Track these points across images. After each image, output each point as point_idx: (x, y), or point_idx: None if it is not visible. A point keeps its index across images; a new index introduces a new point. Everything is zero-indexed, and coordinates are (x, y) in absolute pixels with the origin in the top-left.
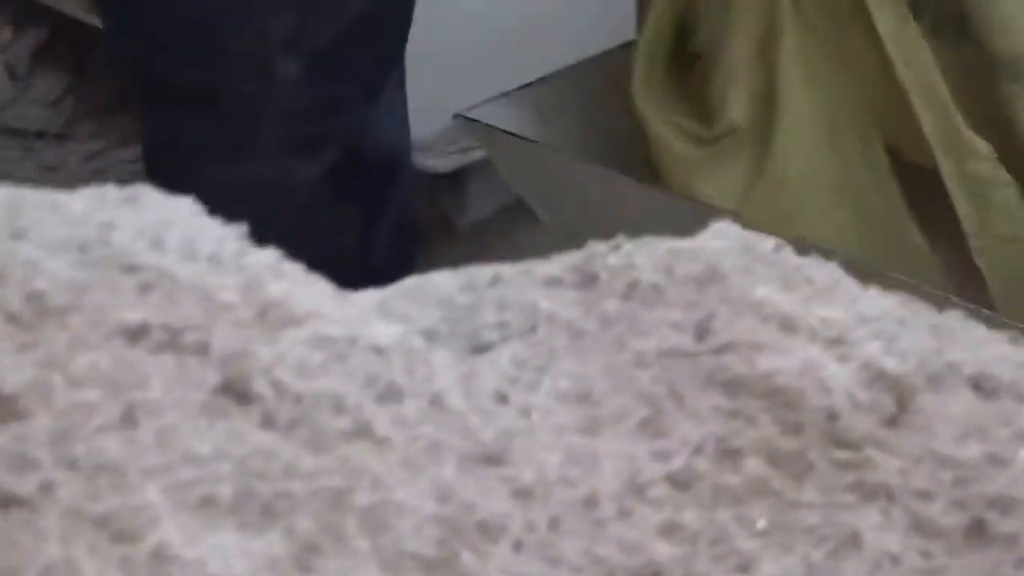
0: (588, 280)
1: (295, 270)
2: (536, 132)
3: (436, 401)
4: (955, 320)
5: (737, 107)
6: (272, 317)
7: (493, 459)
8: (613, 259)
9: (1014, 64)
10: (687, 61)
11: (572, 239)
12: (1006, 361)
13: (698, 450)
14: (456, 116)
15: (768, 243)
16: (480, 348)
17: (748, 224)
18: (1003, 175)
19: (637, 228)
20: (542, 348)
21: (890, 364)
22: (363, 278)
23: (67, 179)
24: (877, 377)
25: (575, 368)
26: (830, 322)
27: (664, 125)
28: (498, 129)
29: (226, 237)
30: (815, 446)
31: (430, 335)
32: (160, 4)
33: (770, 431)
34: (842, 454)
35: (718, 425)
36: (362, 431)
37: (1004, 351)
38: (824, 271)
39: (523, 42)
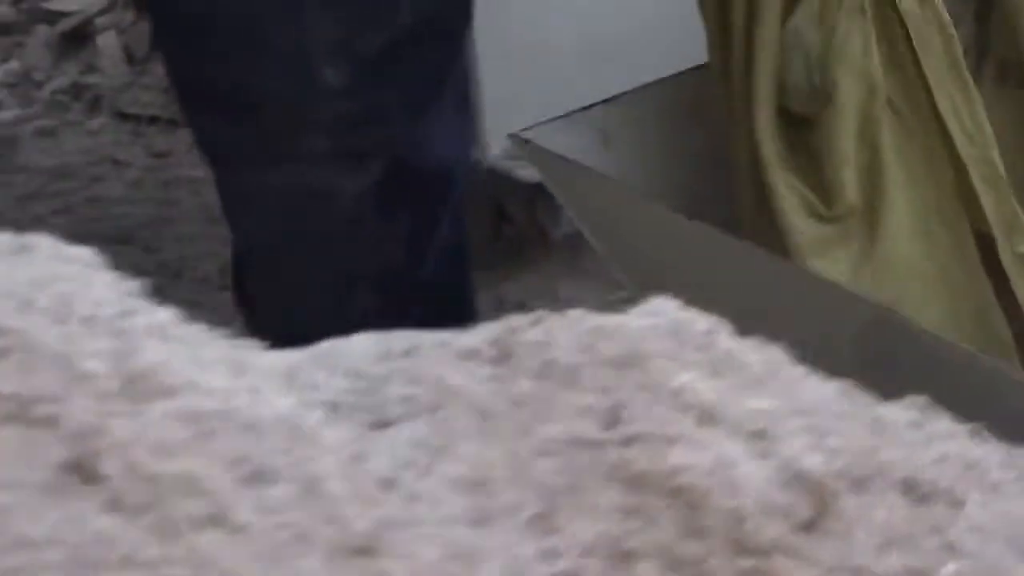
0: (504, 355)
1: (193, 332)
2: (595, 156)
3: (311, 485)
4: (907, 413)
5: (851, 188)
6: (140, 388)
7: (365, 551)
8: (532, 335)
9: None
10: (791, 128)
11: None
12: (949, 462)
13: (589, 551)
14: (511, 136)
15: (702, 324)
16: (383, 424)
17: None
18: None
19: (685, 266)
20: (445, 428)
21: (814, 463)
22: (411, 294)
23: (174, 165)
24: (796, 477)
25: (475, 452)
26: (756, 414)
27: (790, 192)
28: (550, 152)
29: (109, 297)
30: (718, 552)
31: (333, 407)
32: (204, 6)
33: (670, 533)
34: (746, 562)
35: (615, 524)
36: (218, 518)
37: (952, 449)
38: (763, 356)
39: (600, 59)
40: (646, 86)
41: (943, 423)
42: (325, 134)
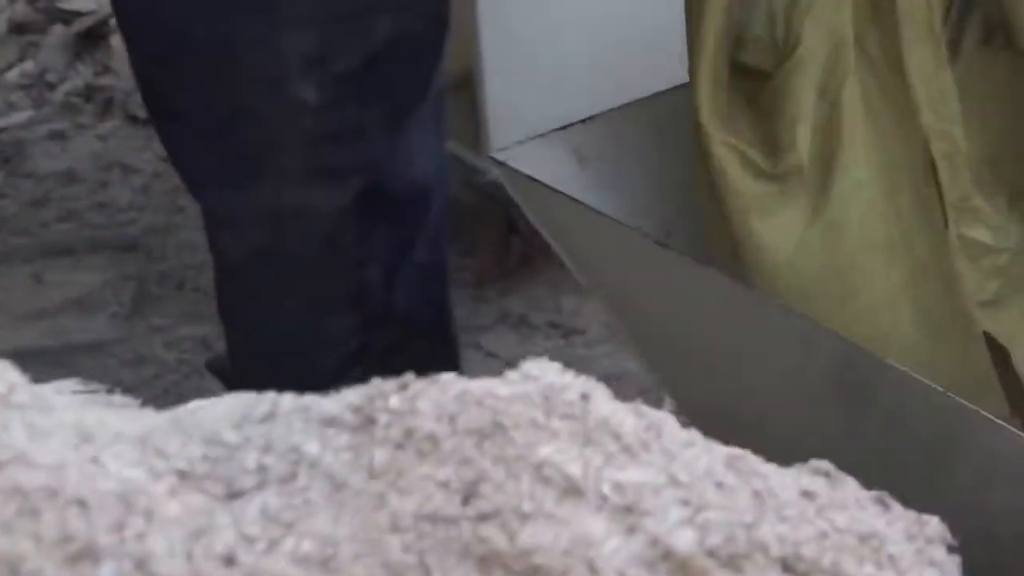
0: (365, 423)
1: (44, 395)
2: (571, 176)
3: (142, 564)
4: (802, 481)
5: (803, 145)
6: None
7: None
8: (395, 401)
9: None
10: (745, 83)
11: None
12: (839, 536)
13: None
14: (488, 158)
15: (575, 390)
16: (234, 494)
17: (801, 276)
18: (1003, 242)
19: (656, 295)
20: (297, 499)
21: (685, 540)
22: (387, 317)
23: None
24: (664, 556)
25: (325, 527)
26: (626, 487)
27: (729, 151)
28: (523, 175)
29: None
30: None
31: (183, 476)
32: (176, 20)
33: None
34: None
35: None
36: None
37: (845, 521)
38: (642, 423)
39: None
40: (623, 106)
41: (843, 491)
42: (301, 152)
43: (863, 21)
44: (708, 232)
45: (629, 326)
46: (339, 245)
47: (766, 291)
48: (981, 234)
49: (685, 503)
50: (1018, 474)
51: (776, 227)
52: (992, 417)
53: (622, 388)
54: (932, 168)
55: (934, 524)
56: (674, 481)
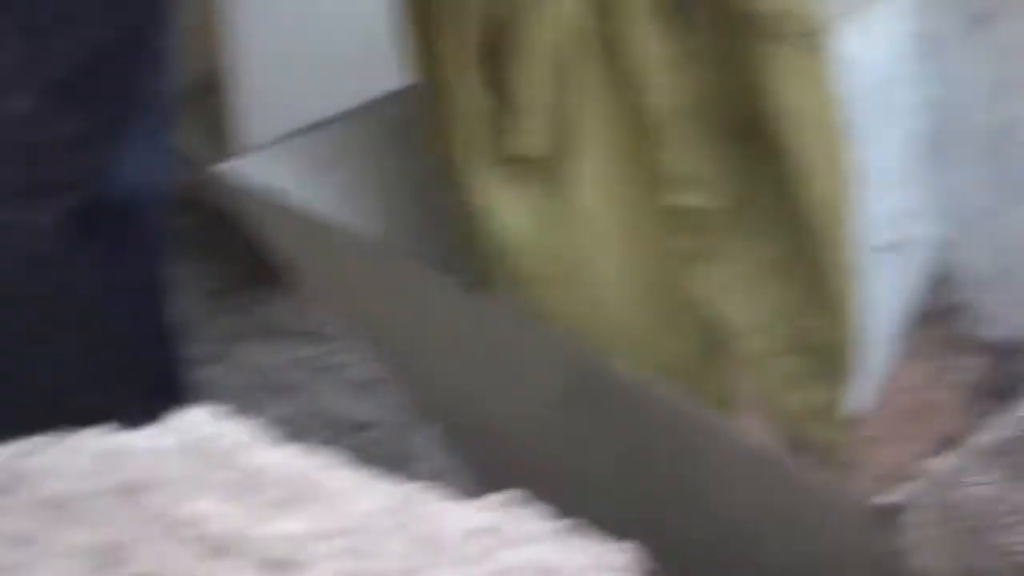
0: (4, 487)
1: None
2: (313, 184)
3: None
4: (476, 519)
5: (534, 135)
6: None
7: None
8: (31, 462)
9: (771, 23)
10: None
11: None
12: (515, 574)
13: None
14: (226, 166)
15: (229, 439)
16: None
17: (538, 265)
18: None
19: (388, 305)
20: None
21: None
22: (106, 341)
23: None
24: None
25: None
26: (280, 539)
27: (472, 125)
28: (248, 187)
29: None
30: None
31: None
32: None
33: None
34: None
35: None
36: None
37: (524, 558)
38: (302, 470)
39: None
40: (362, 108)
41: (526, 524)
42: (11, 165)
43: (591, 4)
44: (454, 230)
45: (373, 337)
46: (50, 266)
47: (506, 281)
48: (691, 200)
49: (345, 553)
50: (749, 473)
51: (513, 212)
52: (724, 421)
53: (373, 396)
54: (655, 143)
55: (624, 554)
56: (335, 530)
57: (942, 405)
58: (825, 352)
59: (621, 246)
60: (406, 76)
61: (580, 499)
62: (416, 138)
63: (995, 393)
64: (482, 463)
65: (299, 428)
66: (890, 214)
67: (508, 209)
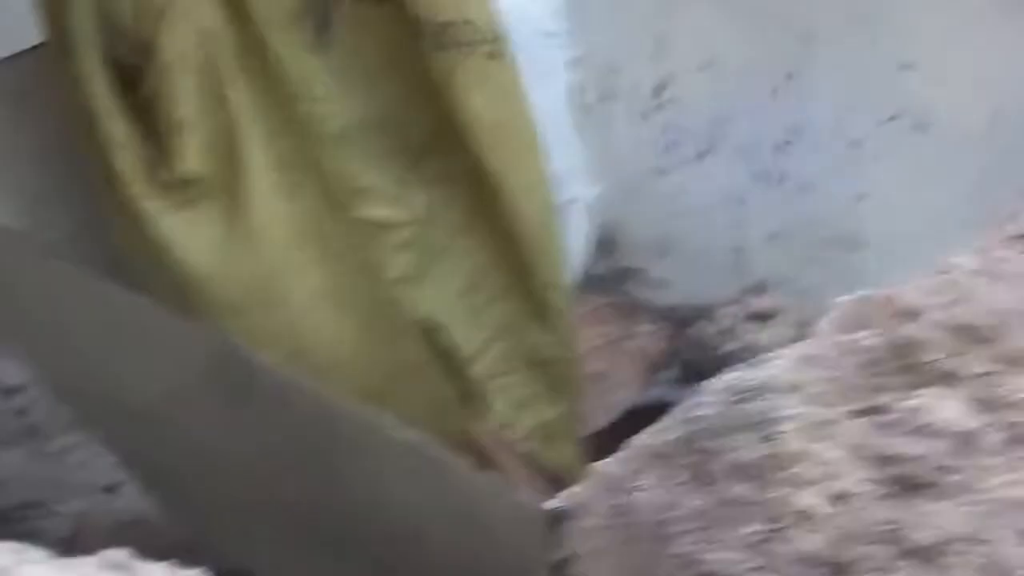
0: None
1: None
2: None
3: None
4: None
5: (193, 154)
6: None
7: None
8: None
9: (442, 33)
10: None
11: None
12: None
13: None
14: None
15: None
16: None
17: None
18: (404, 215)
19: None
20: None
21: None
22: None
23: None
24: None
25: None
26: None
27: (129, 159)
28: None
29: None
30: None
31: None
32: None
33: None
34: None
35: None
36: None
37: None
38: None
39: None
40: None
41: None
42: None
43: (229, 19)
44: (120, 236)
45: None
46: None
47: (195, 304)
48: (380, 212)
49: None
50: (407, 469)
51: (191, 239)
52: (372, 419)
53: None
54: (328, 155)
55: None
56: None
57: (616, 375)
58: (552, 367)
59: (310, 265)
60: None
61: (224, 490)
62: (36, 106)
63: (669, 363)
64: (120, 443)
65: None
66: (554, 175)
67: (185, 239)
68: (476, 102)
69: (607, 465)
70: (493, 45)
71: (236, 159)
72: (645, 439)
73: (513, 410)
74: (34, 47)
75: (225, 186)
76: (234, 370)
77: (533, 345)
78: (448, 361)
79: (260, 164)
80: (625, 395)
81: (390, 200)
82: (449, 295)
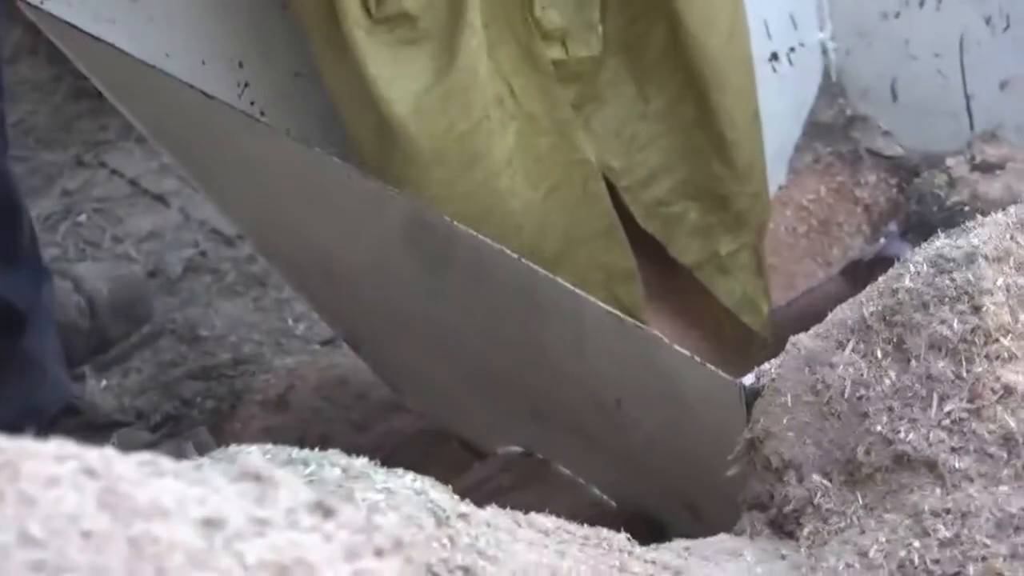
0: None
1: None
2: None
3: None
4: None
5: None
6: None
7: None
8: None
9: None
10: None
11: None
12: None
13: None
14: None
15: None
16: None
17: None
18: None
19: (223, 149)
20: None
21: None
22: None
23: None
24: None
25: None
26: None
27: None
28: (63, 21)
29: None
30: None
31: None
32: None
33: None
34: None
35: None
36: None
37: (257, 555)
38: None
39: None
40: None
41: (274, 504)
42: None
43: None
44: (330, 76)
45: (204, 184)
46: None
47: (394, 151)
48: (577, 50)
49: (38, 568)
50: (606, 339)
51: (398, 79)
52: (573, 288)
53: None
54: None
55: (388, 524)
56: (26, 538)
57: (841, 225)
58: (731, 202)
59: (507, 124)
60: None
61: (426, 354)
62: None
63: (895, 214)
64: (328, 304)
65: (172, 240)
66: (778, 20)
67: (393, 76)
68: None
69: (805, 339)
70: None
71: (454, 7)
72: (844, 311)
73: (687, 237)
74: None
75: (440, 33)
76: (432, 237)
77: (711, 177)
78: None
79: (474, 19)
80: (850, 246)
81: (580, 39)
82: (624, 122)
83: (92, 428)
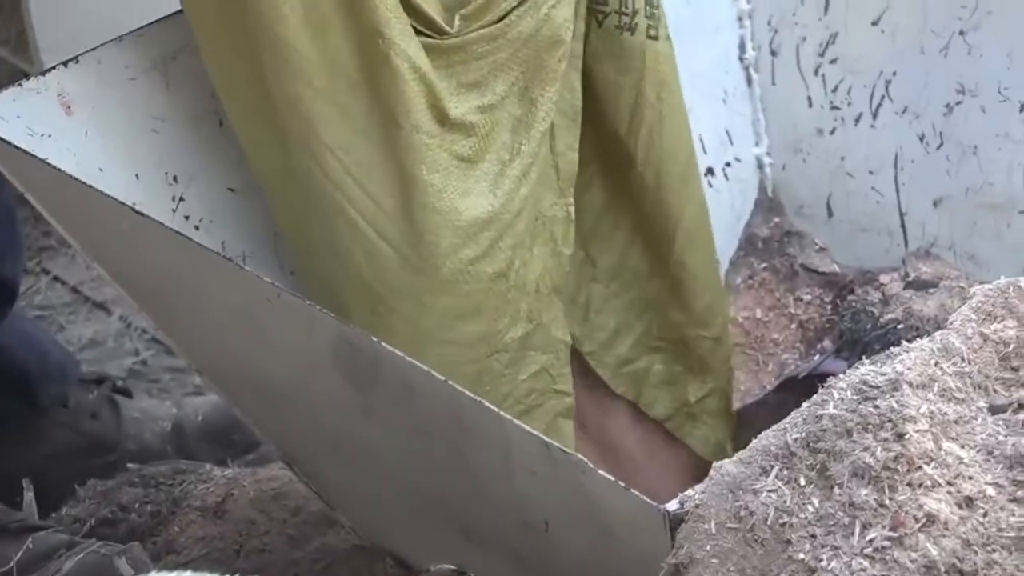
0: None
1: None
2: (61, 126)
3: None
4: None
5: None
6: None
7: None
8: None
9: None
10: None
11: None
12: None
13: None
14: None
15: None
16: None
17: None
18: None
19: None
20: None
21: None
22: None
23: None
24: None
25: None
26: None
27: None
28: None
29: None
30: None
31: None
32: None
33: None
34: None
35: None
36: None
37: None
38: None
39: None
40: (110, 44)
41: None
42: None
43: None
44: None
45: (137, 299)
46: None
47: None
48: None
49: None
50: (532, 463)
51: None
52: (498, 411)
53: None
54: None
55: None
56: None
57: (777, 340)
58: (689, 346)
59: None
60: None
61: (357, 466)
62: (178, 72)
63: (829, 330)
64: (261, 421)
65: (113, 348)
66: (713, 135)
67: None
68: (648, 81)
69: (728, 465)
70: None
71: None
72: (768, 437)
73: (655, 390)
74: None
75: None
76: (359, 357)
77: (670, 325)
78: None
79: None
80: (784, 363)
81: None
82: (573, 290)
83: (9, 533)
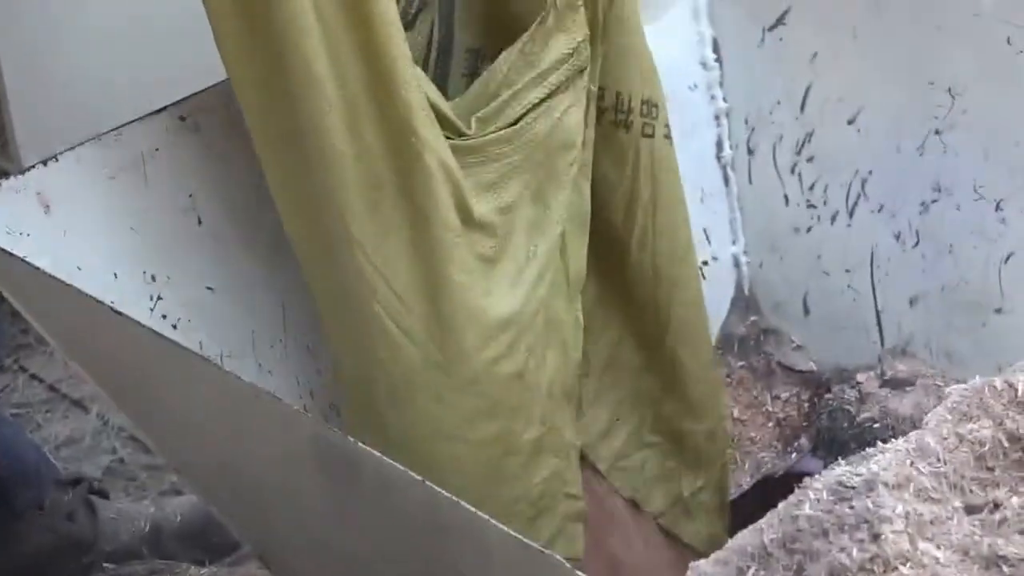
0: None
1: None
2: (38, 225)
3: None
4: None
5: None
6: None
7: None
8: None
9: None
10: None
11: None
12: None
13: None
14: None
15: None
16: None
17: None
18: None
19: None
20: None
21: None
22: None
23: None
24: None
25: None
26: None
27: None
28: None
29: None
30: None
31: None
32: None
33: None
34: None
35: None
36: None
37: None
38: None
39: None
40: (89, 143)
41: None
42: None
43: None
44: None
45: (114, 398)
46: None
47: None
48: None
49: None
50: (509, 568)
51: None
52: (477, 512)
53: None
54: None
55: None
56: None
57: (754, 438)
58: (683, 439)
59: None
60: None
61: (334, 567)
62: (156, 172)
63: (806, 429)
64: (238, 520)
65: (90, 446)
66: (694, 233)
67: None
68: (643, 177)
69: (705, 565)
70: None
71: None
72: (745, 537)
73: (650, 486)
74: None
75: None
76: (337, 458)
77: (664, 418)
78: (585, 450)
79: None
80: (761, 461)
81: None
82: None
83: None
